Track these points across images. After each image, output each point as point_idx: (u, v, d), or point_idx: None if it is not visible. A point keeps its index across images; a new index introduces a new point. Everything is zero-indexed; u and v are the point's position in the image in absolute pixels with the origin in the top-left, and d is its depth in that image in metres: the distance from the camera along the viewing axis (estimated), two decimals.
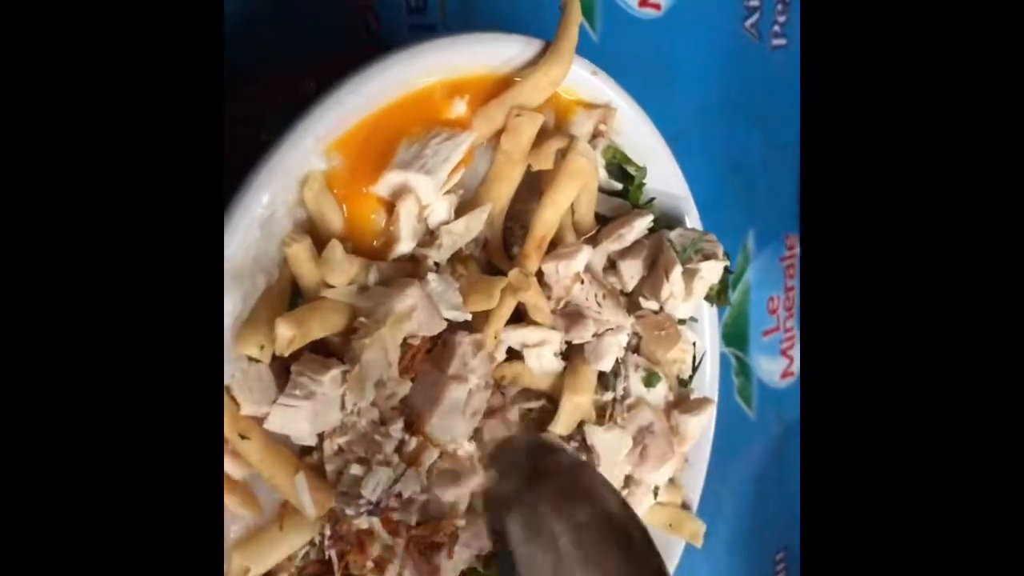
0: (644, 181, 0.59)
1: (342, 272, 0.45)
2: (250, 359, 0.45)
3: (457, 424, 0.48)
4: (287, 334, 0.43)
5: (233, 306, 0.45)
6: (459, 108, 0.50)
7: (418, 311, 0.46)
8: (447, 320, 0.48)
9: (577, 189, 0.53)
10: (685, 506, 0.66)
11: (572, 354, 0.54)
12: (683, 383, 0.61)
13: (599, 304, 0.53)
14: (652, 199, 0.60)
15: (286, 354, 0.44)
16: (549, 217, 0.52)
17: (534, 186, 0.54)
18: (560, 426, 0.54)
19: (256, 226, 0.45)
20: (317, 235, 0.46)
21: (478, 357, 0.49)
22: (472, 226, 0.50)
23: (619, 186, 0.59)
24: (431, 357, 0.49)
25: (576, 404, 0.53)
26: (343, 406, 0.45)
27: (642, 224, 0.56)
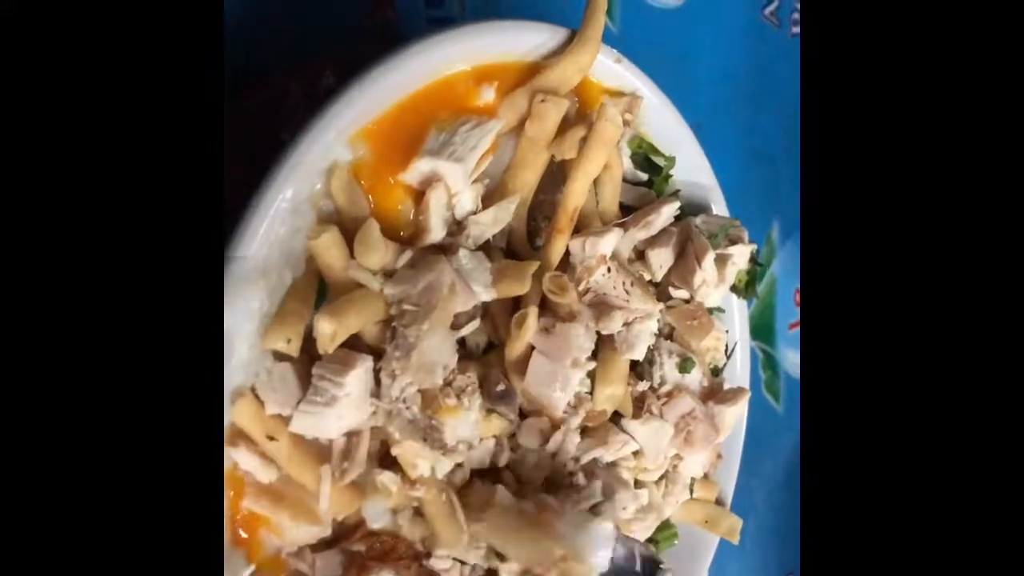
0: (671, 173, 0.58)
1: (377, 252, 0.44)
2: (276, 358, 0.44)
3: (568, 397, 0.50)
4: (327, 330, 0.42)
5: (260, 303, 0.44)
6: (487, 95, 0.49)
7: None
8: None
9: (606, 157, 0.51)
10: (719, 502, 0.64)
11: (602, 345, 0.53)
12: (716, 372, 0.60)
13: (627, 292, 0.52)
14: (678, 190, 0.59)
15: (330, 350, 0.43)
16: (579, 188, 0.50)
17: (558, 178, 0.53)
18: (595, 415, 0.52)
19: (280, 221, 0.44)
20: (344, 227, 0.45)
21: (588, 339, 0.50)
22: (500, 217, 0.49)
23: (645, 177, 0.58)
24: (538, 344, 0.49)
25: (609, 395, 0.52)
26: (381, 396, 0.44)
27: (669, 211, 0.54)
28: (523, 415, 0.51)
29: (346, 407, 0.43)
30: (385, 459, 0.47)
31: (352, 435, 0.45)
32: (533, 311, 0.48)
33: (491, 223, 0.48)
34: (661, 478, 0.57)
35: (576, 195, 0.50)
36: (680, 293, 0.55)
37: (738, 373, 0.63)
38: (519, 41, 0.50)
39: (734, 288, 0.60)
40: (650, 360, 0.55)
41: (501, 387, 0.48)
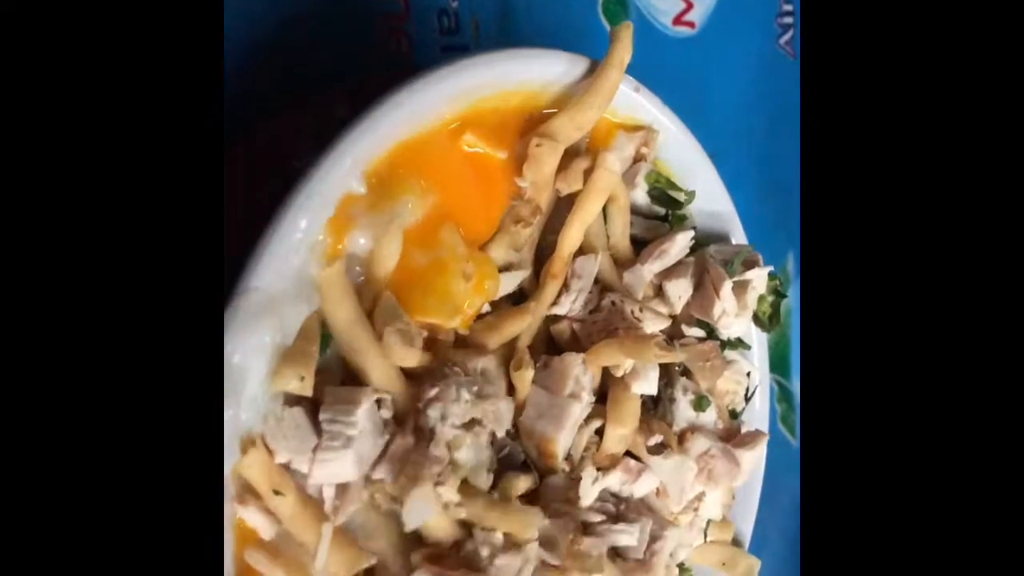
0: (688, 213, 0.57)
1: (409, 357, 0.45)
2: (284, 404, 0.43)
3: (570, 438, 0.48)
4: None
5: (272, 337, 0.42)
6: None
7: None
8: None
9: (602, 202, 0.51)
10: (735, 542, 0.63)
11: (612, 384, 0.51)
12: (734, 415, 0.58)
13: (638, 319, 0.50)
14: (693, 225, 0.58)
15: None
16: (574, 234, 0.50)
17: (565, 215, 0.52)
18: (604, 458, 0.51)
19: (294, 251, 0.43)
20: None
21: (588, 374, 0.49)
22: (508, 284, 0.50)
23: (663, 212, 0.57)
24: (536, 380, 0.49)
25: (620, 436, 0.50)
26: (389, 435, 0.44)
27: (683, 240, 0.53)
28: (543, 476, 0.49)
29: (362, 443, 0.42)
30: None
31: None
32: (527, 359, 0.48)
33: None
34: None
35: (571, 241, 0.51)
36: (694, 331, 0.54)
37: (757, 409, 0.61)
38: (539, 70, 0.49)
39: (758, 321, 0.58)
40: (670, 398, 0.53)
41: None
